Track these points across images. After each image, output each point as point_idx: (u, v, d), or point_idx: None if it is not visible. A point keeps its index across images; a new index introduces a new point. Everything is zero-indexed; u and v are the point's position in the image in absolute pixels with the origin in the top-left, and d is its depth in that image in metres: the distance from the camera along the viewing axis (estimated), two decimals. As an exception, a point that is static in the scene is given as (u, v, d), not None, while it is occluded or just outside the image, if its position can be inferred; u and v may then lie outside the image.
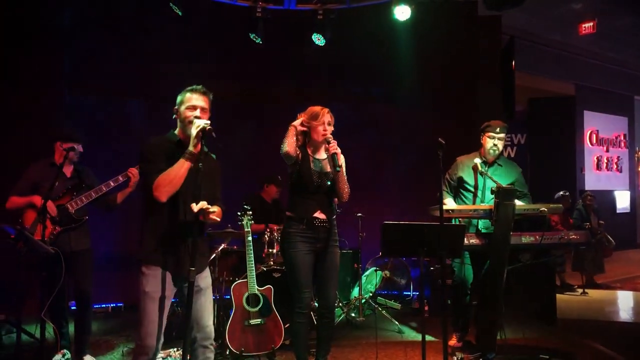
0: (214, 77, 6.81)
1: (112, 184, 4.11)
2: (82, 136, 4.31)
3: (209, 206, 2.74)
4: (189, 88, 2.94)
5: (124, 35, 6.51)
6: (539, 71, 12.07)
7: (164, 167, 2.75)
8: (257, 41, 6.33)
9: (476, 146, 4.66)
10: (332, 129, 3.65)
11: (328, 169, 3.66)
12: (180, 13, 5.92)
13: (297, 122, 3.63)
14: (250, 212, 4.52)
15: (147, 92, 6.62)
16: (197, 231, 2.77)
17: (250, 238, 4.38)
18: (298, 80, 7.28)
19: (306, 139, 3.70)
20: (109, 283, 6.09)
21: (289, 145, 3.53)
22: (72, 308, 4.45)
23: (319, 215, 3.61)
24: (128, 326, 5.48)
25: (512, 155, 12.75)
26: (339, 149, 3.53)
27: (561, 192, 8.48)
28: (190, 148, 2.74)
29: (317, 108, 3.65)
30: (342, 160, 3.61)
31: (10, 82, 5.87)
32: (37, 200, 4.00)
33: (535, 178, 12.32)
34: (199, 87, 2.94)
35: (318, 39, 6.41)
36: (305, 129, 3.64)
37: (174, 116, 2.93)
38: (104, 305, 6.35)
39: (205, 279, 2.97)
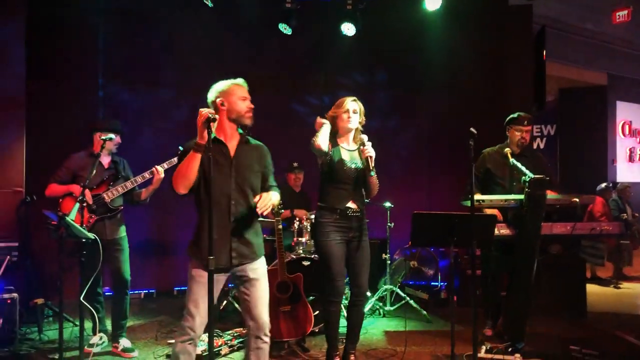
0: (244, 67, 6.92)
1: (139, 179, 4.26)
2: (120, 127, 4.41)
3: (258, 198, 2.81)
4: (235, 80, 3.00)
5: (155, 27, 6.63)
6: (571, 60, 11.85)
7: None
8: (286, 32, 6.37)
9: (505, 137, 4.64)
10: (359, 118, 3.69)
11: (358, 159, 3.69)
12: (210, 4, 6.02)
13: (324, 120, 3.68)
14: (281, 202, 4.58)
15: (179, 82, 6.73)
16: (243, 223, 2.87)
17: (280, 226, 4.44)
18: (327, 70, 7.31)
19: (335, 129, 3.73)
20: (141, 270, 6.24)
21: (322, 141, 3.57)
22: (107, 293, 4.58)
23: (351, 205, 3.64)
24: (161, 312, 5.62)
25: (542, 146, 12.57)
26: (373, 151, 3.55)
27: (603, 185, 8.40)
28: (197, 139, 2.75)
29: (341, 99, 3.71)
30: (371, 154, 3.58)
31: (48, 76, 6.02)
32: (76, 189, 4.12)
33: (565, 169, 12.15)
34: (241, 79, 3.03)
35: (347, 29, 6.42)
36: (328, 121, 3.69)
37: (214, 109, 2.90)
38: (137, 292, 6.50)
39: (255, 270, 3.00)
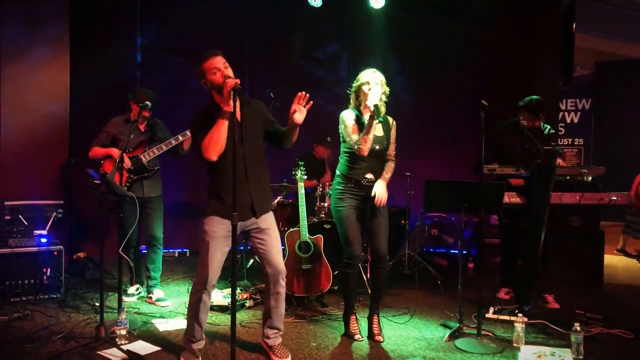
0: (272, 39, 7.16)
1: (173, 142, 4.58)
2: (154, 97, 4.67)
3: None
4: (201, 58, 3.14)
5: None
6: (607, 33, 11.57)
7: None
8: (315, 4, 6.53)
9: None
10: (382, 89, 3.68)
11: (381, 132, 3.73)
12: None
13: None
14: (304, 167, 4.85)
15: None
16: (254, 178, 3.16)
17: (302, 191, 4.72)
18: (354, 43, 7.51)
19: (358, 103, 3.79)
20: (175, 231, 6.64)
21: (354, 136, 3.64)
22: (144, 251, 4.98)
23: (368, 175, 3.73)
24: (193, 270, 6.00)
25: (576, 121, 12.46)
26: (377, 100, 3.60)
27: None
28: (224, 107, 3.04)
29: (361, 72, 3.74)
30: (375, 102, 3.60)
31: (89, 43, 6.35)
32: (115, 152, 4.52)
33: (599, 145, 12.03)
34: (209, 51, 3.15)
35: (374, 2, 6.54)
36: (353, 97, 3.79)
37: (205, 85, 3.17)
38: (171, 250, 6.91)
39: (265, 221, 3.29)
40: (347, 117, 3.73)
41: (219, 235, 3.18)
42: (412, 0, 7.11)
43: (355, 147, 3.61)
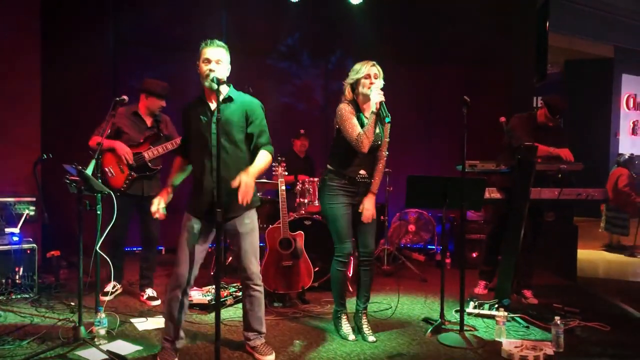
0: (252, 33, 7.07)
1: (179, 141, 4.39)
2: (165, 91, 4.50)
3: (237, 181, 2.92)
4: (203, 43, 3.11)
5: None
6: (577, 32, 11.84)
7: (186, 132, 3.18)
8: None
9: (507, 106, 4.81)
10: (381, 82, 3.56)
11: (377, 128, 3.57)
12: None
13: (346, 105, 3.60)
14: (285, 163, 4.81)
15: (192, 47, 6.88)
16: (228, 179, 3.00)
17: (283, 187, 4.68)
18: (331, 37, 7.50)
19: (354, 96, 3.65)
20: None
21: (355, 130, 3.47)
22: (138, 250, 4.88)
23: (362, 172, 3.67)
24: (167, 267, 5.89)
25: (547, 117, 12.65)
26: (381, 96, 3.45)
27: (626, 155, 8.54)
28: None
29: (362, 62, 3.58)
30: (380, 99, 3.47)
31: (64, 36, 6.17)
32: (119, 146, 4.33)
33: (570, 142, 12.28)
34: (212, 40, 3.11)
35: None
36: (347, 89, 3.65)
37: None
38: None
39: (244, 225, 3.22)
40: (347, 110, 3.55)
41: (193, 232, 3.14)
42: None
43: (355, 143, 3.46)
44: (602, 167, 11.03)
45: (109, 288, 4.56)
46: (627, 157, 8.44)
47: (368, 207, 3.67)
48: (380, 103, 3.42)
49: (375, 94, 3.45)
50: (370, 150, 3.56)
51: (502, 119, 4.55)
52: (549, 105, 4.67)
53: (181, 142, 3.41)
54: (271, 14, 7.12)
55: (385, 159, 3.78)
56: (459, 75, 7.30)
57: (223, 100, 3.09)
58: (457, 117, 3.79)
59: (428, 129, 7.67)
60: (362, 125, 3.53)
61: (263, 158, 3.13)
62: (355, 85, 3.61)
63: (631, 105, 13.20)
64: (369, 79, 3.53)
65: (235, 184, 2.92)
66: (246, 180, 2.93)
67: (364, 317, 3.85)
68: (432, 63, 7.56)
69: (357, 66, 3.60)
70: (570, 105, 12.08)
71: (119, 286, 4.75)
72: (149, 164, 4.44)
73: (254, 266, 3.28)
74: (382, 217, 5.94)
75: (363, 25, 7.27)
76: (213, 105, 3.08)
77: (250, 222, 3.27)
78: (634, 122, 13.31)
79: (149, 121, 4.54)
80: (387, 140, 3.74)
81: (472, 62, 7.29)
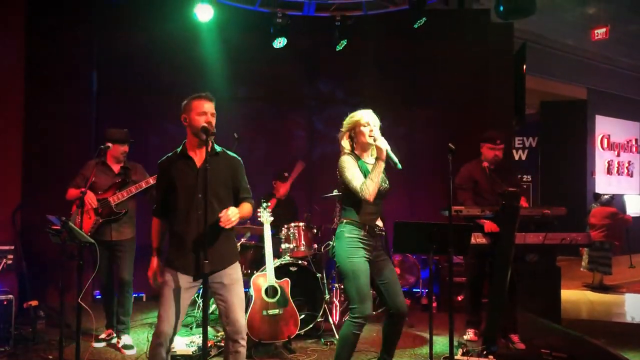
0: (239, 80, 7.11)
1: (143, 185, 4.52)
2: (126, 137, 4.65)
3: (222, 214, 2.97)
4: (195, 95, 3.13)
5: (149, 38, 6.72)
6: (551, 75, 12.22)
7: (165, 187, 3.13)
8: (278, 46, 6.59)
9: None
10: (379, 131, 3.49)
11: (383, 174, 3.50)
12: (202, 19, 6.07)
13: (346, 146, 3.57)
14: (269, 209, 4.78)
15: (177, 92, 6.87)
16: (212, 232, 3.01)
17: (269, 233, 4.64)
18: (319, 83, 7.62)
19: (353, 145, 3.59)
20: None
21: (359, 180, 3.38)
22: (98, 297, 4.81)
23: (378, 222, 3.52)
24: (149, 314, 5.76)
25: (524, 158, 12.94)
26: (387, 143, 3.40)
27: (606, 196, 8.75)
28: (190, 153, 3.10)
29: (357, 112, 3.55)
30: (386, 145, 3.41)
31: (46, 84, 6.15)
32: (87, 195, 4.32)
33: (546, 181, 12.51)
34: (206, 93, 3.14)
35: (340, 44, 6.69)
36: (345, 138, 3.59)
37: (185, 123, 3.13)
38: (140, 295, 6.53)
39: (229, 276, 3.15)
40: (348, 161, 3.46)
41: (176, 288, 3.06)
42: (369, 42, 7.27)
43: (360, 192, 3.33)
44: (580, 205, 11.22)
45: (103, 335, 4.70)
46: (607, 197, 8.64)
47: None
48: (386, 150, 3.38)
49: (382, 142, 3.38)
50: (380, 196, 3.47)
51: None
52: (487, 138, 4.80)
53: (156, 202, 3.27)
54: (254, 60, 7.18)
55: None
56: (439, 118, 7.42)
57: (209, 154, 3.08)
58: (438, 160, 3.82)
59: (409, 172, 7.70)
60: (366, 171, 3.46)
61: (246, 207, 3.18)
62: (353, 134, 3.56)
63: (605, 145, 13.53)
64: (369, 126, 3.48)
65: (222, 212, 2.95)
66: (231, 210, 2.99)
67: None
68: (412, 106, 7.64)
69: (355, 114, 3.56)
70: (547, 146, 12.47)
71: (114, 336, 4.70)
72: (114, 208, 4.50)
73: (242, 319, 3.19)
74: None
75: (344, 69, 7.39)
76: (197, 159, 3.11)
77: (234, 273, 3.22)
78: (608, 162, 13.62)
79: (116, 168, 4.67)
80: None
81: (452, 106, 7.41)
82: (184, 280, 3.07)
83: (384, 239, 3.56)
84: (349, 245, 3.40)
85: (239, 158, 3.28)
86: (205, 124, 3.00)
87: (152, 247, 3.21)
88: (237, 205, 3.16)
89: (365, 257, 3.40)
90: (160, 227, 3.24)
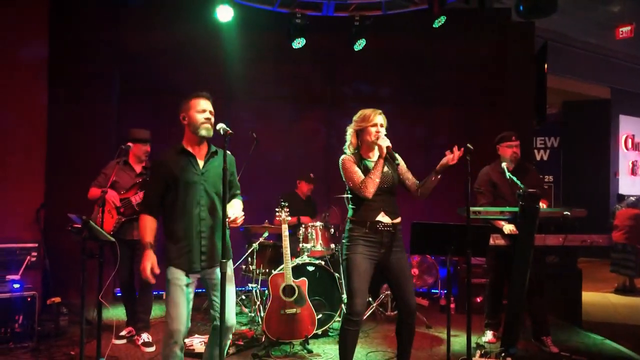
0: (258, 80, 7.16)
1: None
2: (147, 137, 4.75)
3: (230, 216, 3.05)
4: (194, 94, 3.18)
5: (170, 39, 6.82)
6: (574, 74, 12.06)
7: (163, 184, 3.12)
8: (297, 46, 6.61)
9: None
10: (384, 131, 3.56)
11: (386, 169, 3.54)
12: (222, 19, 6.15)
13: (348, 154, 3.61)
14: (287, 209, 4.81)
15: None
16: (213, 228, 3.11)
17: (287, 232, 4.67)
18: (336, 82, 7.61)
19: (359, 142, 3.64)
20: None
21: (358, 177, 3.46)
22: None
23: (382, 218, 3.49)
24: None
25: (545, 158, 12.76)
26: (387, 140, 3.46)
27: (632, 197, 8.65)
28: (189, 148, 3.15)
29: (368, 110, 3.59)
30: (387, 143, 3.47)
31: (69, 84, 6.27)
32: (109, 194, 4.42)
33: (568, 181, 12.34)
34: (203, 92, 3.20)
35: (358, 44, 6.69)
36: (352, 135, 3.63)
37: (184, 121, 3.17)
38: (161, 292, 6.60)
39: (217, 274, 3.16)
40: (348, 161, 3.54)
41: (182, 286, 3.08)
42: (387, 42, 7.25)
43: (359, 189, 3.41)
44: (603, 206, 11.07)
45: (123, 332, 4.76)
46: (634, 200, 8.52)
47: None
48: (387, 147, 3.43)
49: (383, 140, 3.45)
50: (387, 191, 3.53)
51: None
52: (502, 138, 4.79)
53: (150, 199, 3.22)
54: (273, 60, 7.23)
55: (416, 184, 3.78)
56: (458, 118, 7.38)
57: (211, 153, 3.19)
58: (457, 162, 3.78)
59: (428, 172, 7.66)
60: (368, 170, 3.49)
61: (240, 203, 3.32)
62: (360, 132, 3.60)
63: (630, 145, 13.31)
64: (376, 127, 3.52)
65: (229, 213, 3.04)
66: (237, 210, 3.16)
67: None
68: (431, 106, 7.62)
69: (364, 113, 3.59)
70: (569, 146, 12.30)
71: (134, 332, 4.78)
72: (136, 207, 4.53)
73: (233, 318, 3.21)
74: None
75: (362, 69, 7.40)
76: (199, 156, 3.17)
77: (228, 269, 3.20)
78: (633, 162, 13.39)
79: (137, 168, 4.74)
80: (409, 174, 3.78)
81: (472, 105, 7.37)
82: (188, 276, 3.11)
83: (393, 235, 3.53)
84: (348, 242, 3.50)
85: (232, 155, 3.29)
86: (206, 124, 3.10)
87: (144, 242, 3.15)
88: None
89: (364, 254, 3.43)
90: (152, 224, 3.18)
